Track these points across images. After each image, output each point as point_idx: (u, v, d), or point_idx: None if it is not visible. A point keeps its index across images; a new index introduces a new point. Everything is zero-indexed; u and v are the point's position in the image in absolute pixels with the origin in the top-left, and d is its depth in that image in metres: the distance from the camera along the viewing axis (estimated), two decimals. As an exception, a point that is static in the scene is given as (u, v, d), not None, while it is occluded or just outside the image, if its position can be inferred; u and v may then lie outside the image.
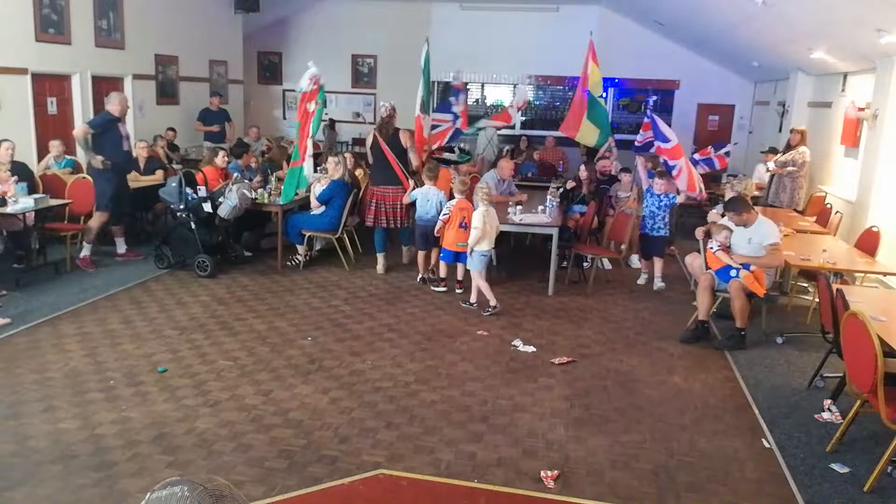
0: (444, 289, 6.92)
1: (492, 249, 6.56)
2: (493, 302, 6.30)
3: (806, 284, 7.02)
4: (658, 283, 7.37)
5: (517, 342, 5.59)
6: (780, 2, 7.40)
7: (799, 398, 4.78)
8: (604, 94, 13.07)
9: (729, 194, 6.93)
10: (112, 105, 7.25)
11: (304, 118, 7.70)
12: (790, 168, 8.68)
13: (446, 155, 10.99)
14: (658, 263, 7.37)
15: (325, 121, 14.05)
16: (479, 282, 6.38)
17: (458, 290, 6.89)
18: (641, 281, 7.57)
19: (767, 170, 9.11)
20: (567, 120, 9.09)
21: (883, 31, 6.38)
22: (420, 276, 7.22)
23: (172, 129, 10.33)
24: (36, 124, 8.39)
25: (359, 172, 8.63)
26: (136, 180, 8.31)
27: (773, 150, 9.37)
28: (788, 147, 8.91)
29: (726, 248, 5.75)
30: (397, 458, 3.79)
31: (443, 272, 6.94)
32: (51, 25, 8.42)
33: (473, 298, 6.48)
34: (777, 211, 8.27)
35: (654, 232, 7.26)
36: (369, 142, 7.72)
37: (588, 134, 8.91)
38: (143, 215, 8.68)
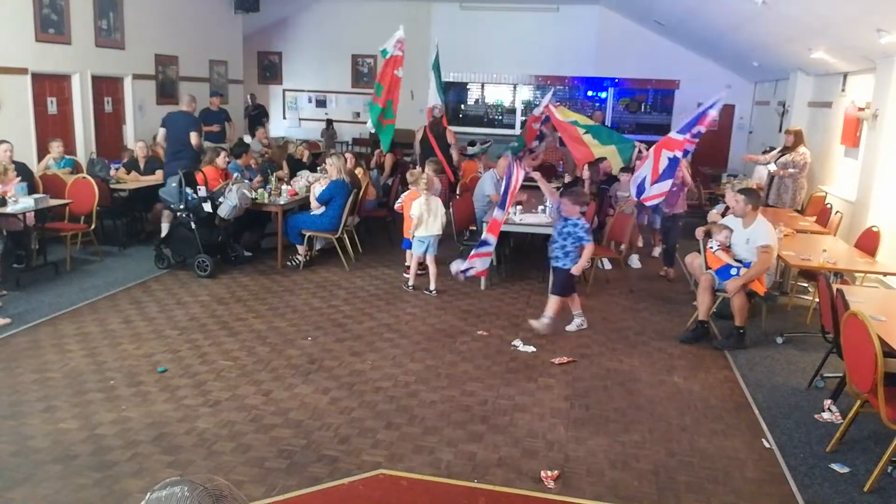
0: (407, 276, 7.16)
1: (432, 236, 6.82)
2: (432, 286, 6.80)
3: (806, 284, 7.02)
4: (576, 322, 5.99)
5: (517, 342, 5.59)
6: (780, 2, 7.40)
7: (799, 398, 4.78)
8: (596, 101, 12.86)
9: (729, 195, 6.92)
10: (191, 105, 8.63)
11: (391, 82, 8.54)
12: (791, 170, 8.67)
13: (469, 150, 11.41)
14: (561, 301, 5.87)
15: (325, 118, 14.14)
16: (413, 263, 6.96)
17: (405, 276, 7.24)
18: (537, 323, 5.85)
19: (765, 164, 9.08)
20: (576, 155, 8.81)
21: (883, 31, 6.38)
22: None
23: None
24: (36, 124, 8.40)
25: (358, 171, 8.63)
26: (136, 180, 8.32)
27: (772, 149, 9.38)
28: (785, 148, 8.88)
29: (726, 248, 5.75)
30: (397, 458, 3.79)
31: (407, 260, 7.25)
32: (51, 25, 8.43)
33: (432, 286, 6.84)
34: (778, 211, 8.27)
35: (555, 262, 5.86)
36: (419, 136, 9.18)
37: (610, 157, 8.60)
38: (143, 215, 8.68)
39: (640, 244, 8.47)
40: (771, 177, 9.07)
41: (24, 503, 3.27)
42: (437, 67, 9.79)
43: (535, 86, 14.94)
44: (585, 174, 8.43)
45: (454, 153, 9.18)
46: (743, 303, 5.55)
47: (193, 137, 8.31)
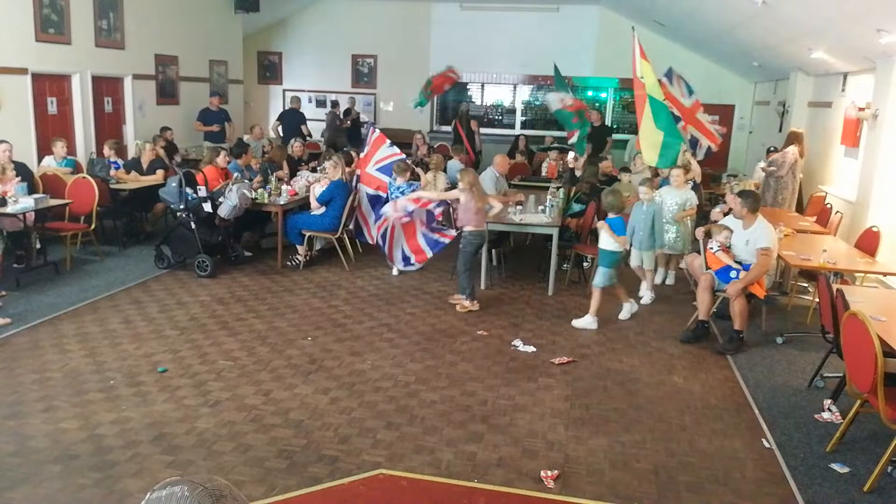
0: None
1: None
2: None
3: (806, 284, 7.02)
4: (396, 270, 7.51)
5: (517, 342, 5.59)
6: (780, 2, 7.40)
7: (799, 398, 4.78)
8: (596, 101, 12.79)
9: (729, 196, 6.93)
10: (297, 104, 12.46)
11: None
12: (770, 168, 8.71)
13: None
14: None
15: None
16: None
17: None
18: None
19: (762, 169, 9.11)
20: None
21: (883, 31, 6.38)
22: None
23: (169, 129, 10.29)
24: (36, 124, 8.39)
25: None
26: (136, 180, 8.32)
27: (776, 150, 9.39)
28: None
29: (726, 249, 5.75)
30: (397, 458, 3.79)
31: None
32: (51, 25, 8.43)
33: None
34: (763, 210, 8.24)
35: None
36: (452, 126, 12.42)
37: (650, 149, 7.30)
38: (143, 215, 8.68)
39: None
40: (764, 176, 9.10)
41: (24, 503, 3.28)
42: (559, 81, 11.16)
43: (536, 86, 14.94)
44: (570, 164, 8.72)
45: (477, 139, 12.19)
46: (743, 307, 5.54)
47: (303, 129, 12.05)
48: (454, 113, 15.13)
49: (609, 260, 5.98)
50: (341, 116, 13.38)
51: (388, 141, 7.77)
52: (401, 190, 7.26)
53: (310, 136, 12.52)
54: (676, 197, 6.98)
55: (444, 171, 9.04)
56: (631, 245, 6.66)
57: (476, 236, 6.35)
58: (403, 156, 7.77)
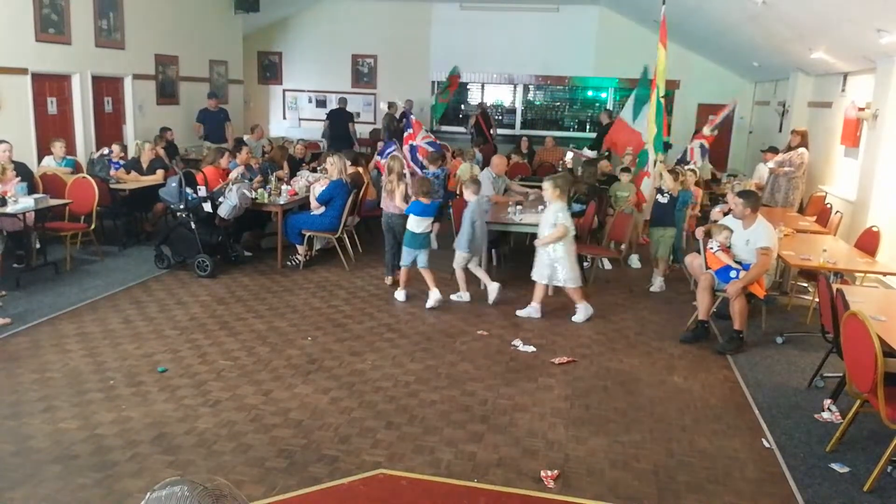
0: None
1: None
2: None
3: (806, 284, 7.02)
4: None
5: (517, 342, 5.59)
6: (780, 2, 7.40)
7: (799, 398, 4.78)
8: (596, 101, 12.46)
9: (730, 196, 6.92)
10: (343, 104, 12.92)
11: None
12: (787, 168, 8.70)
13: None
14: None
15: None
16: None
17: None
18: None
19: (770, 170, 9.11)
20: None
21: (883, 31, 6.38)
22: None
23: (169, 129, 10.27)
24: (36, 124, 8.39)
25: (360, 169, 8.64)
26: (136, 180, 8.32)
27: (774, 150, 9.38)
28: (789, 148, 8.93)
29: (726, 249, 5.75)
30: (397, 458, 3.79)
31: None
32: (51, 25, 8.43)
33: None
34: (772, 210, 8.26)
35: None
36: (472, 122, 13.51)
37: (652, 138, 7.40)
38: (143, 215, 8.68)
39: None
40: (771, 175, 9.09)
41: (24, 503, 3.28)
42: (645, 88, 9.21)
43: (535, 86, 14.95)
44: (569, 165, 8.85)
45: (493, 131, 13.53)
46: (742, 306, 5.54)
47: (350, 127, 12.62)
48: (454, 113, 15.26)
49: (409, 240, 6.44)
50: (397, 118, 13.28)
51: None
52: (435, 175, 8.16)
53: (354, 136, 12.89)
54: (548, 215, 6.07)
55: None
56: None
57: (385, 217, 7.02)
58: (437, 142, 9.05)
